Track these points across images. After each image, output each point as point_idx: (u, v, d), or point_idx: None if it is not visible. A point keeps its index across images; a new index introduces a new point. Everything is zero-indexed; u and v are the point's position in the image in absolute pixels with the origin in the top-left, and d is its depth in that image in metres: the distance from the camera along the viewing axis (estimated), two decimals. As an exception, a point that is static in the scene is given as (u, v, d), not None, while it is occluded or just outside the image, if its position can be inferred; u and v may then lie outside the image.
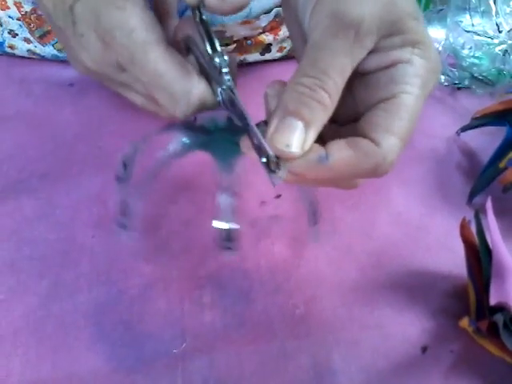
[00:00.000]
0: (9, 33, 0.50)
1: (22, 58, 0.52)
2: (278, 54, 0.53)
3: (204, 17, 0.27)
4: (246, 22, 0.48)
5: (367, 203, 0.41)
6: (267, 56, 0.53)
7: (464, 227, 0.35)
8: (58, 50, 0.51)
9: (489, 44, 0.51)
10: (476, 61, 0.52)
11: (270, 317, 0.34)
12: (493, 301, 0.30)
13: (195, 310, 0.34)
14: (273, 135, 0.23)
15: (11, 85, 0.50)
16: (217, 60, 0.27)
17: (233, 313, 0.34)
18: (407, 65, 0.25)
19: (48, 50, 0.51)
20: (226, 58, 0.27)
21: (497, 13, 0.51)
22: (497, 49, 0.50)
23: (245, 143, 0.25)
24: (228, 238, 0.29)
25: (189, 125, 0.32)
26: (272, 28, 0.51)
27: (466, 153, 0.46)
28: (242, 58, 0.52)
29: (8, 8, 0.48)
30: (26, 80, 0.51)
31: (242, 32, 0.49)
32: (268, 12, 0.49)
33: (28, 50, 0.51)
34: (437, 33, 0.55)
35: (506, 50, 0.50)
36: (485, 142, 0.46)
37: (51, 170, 0.43)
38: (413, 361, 0.32)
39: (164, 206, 0.40)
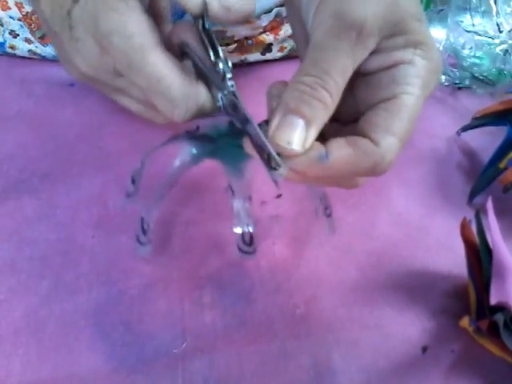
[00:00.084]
0: (10, 33, 0.50)
1: (23, 58, 0.53)
2: (279, 54, 0.53)
3: (207, 25, 0.27)
4: (246, 22, 0.48)
5: (367, 203, 0.41)
6: (268, 56, 0.53)
7: (464, 227, 0.35)
8: (59, 49, 0.51)
9: (489, 44, 0.51)
10: (476, 61, 0.52)
11: (271, 317, 0.34)
12: (493, 300, 0.30)
13: (195, 310, 0.34)
14: (274, 132, 0.23)
15: (12, 85, 0.51)
16: (220, 66, 0.27)
17: (233, 313, 0.34)
18: (409, 65, 0.25)
19: (49, 51, 0.51)
20: (229, 64, 0.27)
21: (497, 13, 0.51)
22: (497, 49, 0.50)
23: (247, 144, 0.25)
24: (247, 242, 0.30)
25: (192, 134, 0.32)
26: (273, 28, 0.51)
27: (467, 153, 0.46)
28: (242, 57, 0.52)
29: (9, 8, 0.48)
30: (26, 80, 0.51)
31: (242, 32, 0.49)
32: (269, 12, 0.49)
33: (29, 51, 0.51)
34: (437, 33, 0.55)
35: (507, 50, 0.50)
36: (485, 141, 0.46)
37: (52, 170, 0.43)
38: (413, 361, 0.32)
39: (164, 206, 0.40)
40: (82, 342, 0.33)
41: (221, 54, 0.27)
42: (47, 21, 0.30)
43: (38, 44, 0.50)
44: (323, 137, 0.24)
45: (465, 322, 0.31)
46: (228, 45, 0.50)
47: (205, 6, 0.27)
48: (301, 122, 0.23)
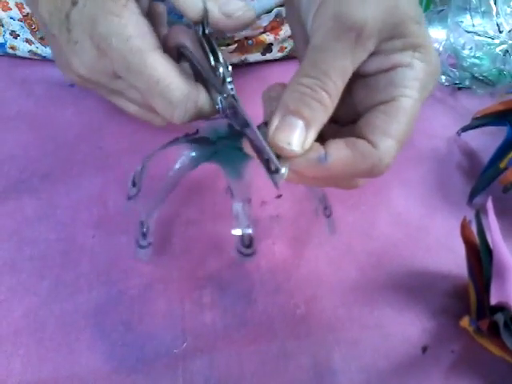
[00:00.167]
0: (10, 34, 0.50)
1: (24, 58, 0.53)
2: (279, 54, 0.53)
3: (207, 31, 0.28)
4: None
5: (367, 203, 0.41)
6: (268, 56, 0.53)
7: (465, 227, 0.35)
8: (56, 51, 0.51)
9: (489, 44, 0.51)
10: (476, 61, 0.52)
11: (271, 317, 0.34)
12: (493, 300, 0.30)
13: (196, 310, 0.34)
14: (274, 133, 0.23)
15: (13, 85, 0.51)
16: (221, 70, 0.27)
17: (233, 313, 0.34)
18: (407, 68, 0.25)
19: (49, 51, 0.51)
20: (229, 68, 0.27)
21: (497, 13, 0.51)
22: (497, 49, 0.50)
23: (246, 145, 0.25)
24: (247, 244, 0.30)
25: (192, 138, 0.32)
26: (273, 28, 0.51)
27: (467, 153, 0.46)
28: (243, 57, 0.52)
29: (10, 9, 0.48)
30: (27, 81, 0.51)
31: (243, 32, 0.49)
32: (269, 12, 0.49)
33: (29, 51, 0.51)
34: (437, 33, 0.55)
35: (507, 51, 0.50)
36: (485, 142, 0.46)
37: (52, 170, 0.43)
38: (413, 361, 0.32)
39: (164, 206, 0.40)
40: (82, 342, 0.33)
41: (221, 58, 0.27)
42: (46, 23, 0.30)
43: (38, 44, 0.51)
44: (321, 137, 0.24)
45: (465, 321, 0.31)
46: (228, 45, 0.50)
47: (205, 13, 0.27)
48: (300, 123, 0.23)
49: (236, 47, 0.50)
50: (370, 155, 0.24)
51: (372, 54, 0.25)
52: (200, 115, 0.29)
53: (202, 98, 0.28)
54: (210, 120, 0.31)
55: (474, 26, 0.52)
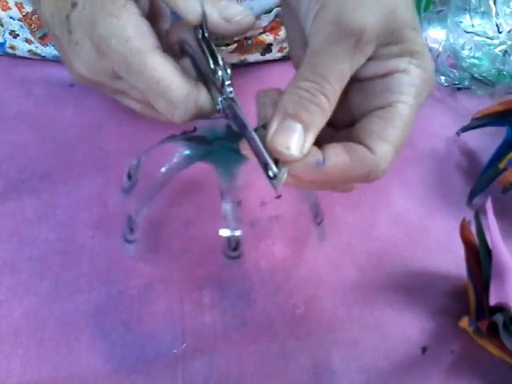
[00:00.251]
0: (10, 33, 0.50)
1: (23, 58, 0.53)
2: (279, 55, 0.53)
3: (206, 34, 0.28)
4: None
5: (367, 203, 0.41)
6: (268, 56, 0.53)
7: (464, 227, 0.35)
8: (57, 51, 0.51)
9: (489, 45, 0.51)
10: (476, 61, 0.52)
11: (270, 317, 0.34)
12: (492, 301, 0.30)
13: (195, 311, 0.34)
14: (273, 137, 0.23)
15: (12, 85, 0.51)
16: (219, 73, 0.27)
17: (233, 313, 0.34)
18: (404, 74, 0.25)
19: (49, 51, 0.51)
20: (228, 71, 0.27)
21: (497, 13, 0.51)
22: (497, 49, 0.50)
23: (245, 146, 0.25)
24: (233, 247, 0.30)
25: (189, 136, 0.32)
26: (272, 28, 0.51)
27: (466, 153, 0.46)
28: (242, 58, 0.52)
29: (9, 9, 0.48)
30: (26, 80, 0.51)
31: (242, 33, 0.49)
32: (269, 12, 0.49)
33: (29, 51, 0.51)
34: (437, 33, 0.55)
35: (506, 51, 0.50)
36: (485, 142, 0.46)
37: (52, 170, 0.43)
38: (413, 361, 0.32)
39: (164, 206, 0.40)
40: (82, 342, 0.33)
41: (220, 61, 0.27)
42: (48, 24, 0.30)
43: (38, 44, 0.50)
44: (316, 141, 0.24)
45: (464, 322, 0.31)
46: (228, 45, 0.50)
47: (204, 17, 0.27)
48: (299, 127, 0.23)
49: (236, 47, 0.50)
50: (367, 160, 0.24)
51: (369, 59, 0.25)
52: (201, 114, 0.29)
53: (202, 97, 0.28)
54: (210, 119, 0.31)
55: (473, 26, 0.52)
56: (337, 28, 0.24)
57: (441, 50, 0.53)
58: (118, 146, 0.45)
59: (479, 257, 0.33)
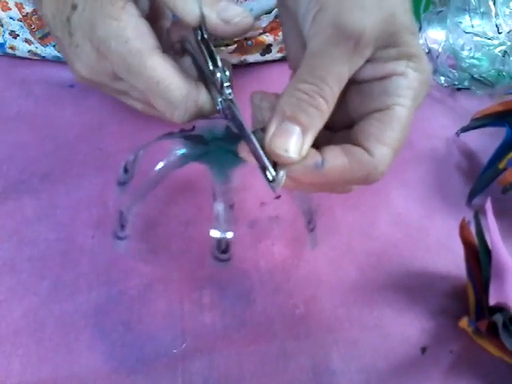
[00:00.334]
0: (10, 34, 0.50)
1: (23, 58, 0.53)
2: (279, 55, 0.53)
3: (205, 36, 0.28)
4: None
5: (367, 203, 0.41)
6: (267, 57, 0.53)
7: (463, 228, 0.35)
8: (58, 51, 0.51)
9: (488, 45, 0.51)
10: (476, 62, 0.52)
11: (270, 317, 0.34)
12: (492, 301, 0.30)
13: (195, 311, 0.34)
14: (271, 140, 0.24)
15: (12, 86, 0.51)
16: (218, 75, 0.27)
17: (233, 313, 0.34)
18: (401, 77, 0.25)
19: (49, 51, 0.51)
20: (227, 73, 0.27)
21: (496, 14, 0.51)
22: (496, 50, 0.50)
23: (243, 148, 0.25)
24: (222, 249, 0.30)
25: (187, 134, 0.32)
26: (272, 28, 0.51)
27: (466, 153, 0.46)
28: (242, 58, 0.52)
29: (9, 9, 0.48)
30: (26, 81, 0.51)
31: (241, 34, 0.49)
32: (268, 13, 0.49)
33: (29, 51, 0.51)
34: (437, 34, 0.55)
35: (506, 51, 0.50)
36: (484, 142, 0.46)
37: (52, 170, 0.43)
38: (412, 361, 0.32)
39: (164, 206, 0.40)
40: (82, 342, 0.33)
41: (219, 63, 0.27)
42: (49, 25, 0.30)
43: (37, 44, 0.50)
44: (314, 143, 0.25)
45: (464, 322, 0.31)
46: (228, 45, 0.50)
47: (202, 19, 0.27)
48: (297, 130, 0.23)
49: (235, 48, 0.50)
50: (366, 163, 0.24)
51: (367, 61, 0.26)
52: (201, 114, 0.29)
53: (202, 97, 0.28)
54: (210, 119, 0.31)
55: (473, 26, 0.52)
56: (336, 30, 0.24)
57: (440, 50, 0.53)
58: (117, 146, 0.45)
59: (479, 257, 0.33)
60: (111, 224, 0.39)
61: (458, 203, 0.42)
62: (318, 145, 0.25)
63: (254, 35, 0.50)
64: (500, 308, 0.30)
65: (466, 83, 0.52)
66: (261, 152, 0.24)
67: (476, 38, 0.51)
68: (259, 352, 0.33)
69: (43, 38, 0.50)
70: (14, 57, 0.53)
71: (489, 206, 0.33)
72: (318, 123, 0.24)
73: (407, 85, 0.25)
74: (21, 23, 0.49)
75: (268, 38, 0.51)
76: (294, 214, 0.40)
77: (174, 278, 0.36)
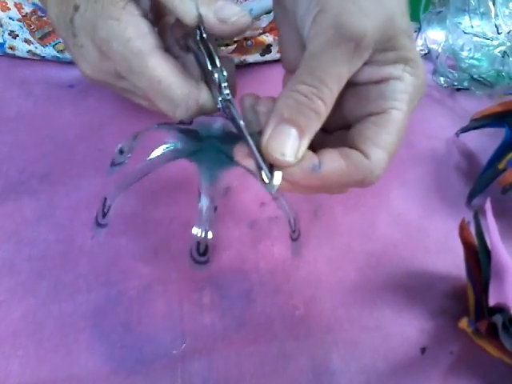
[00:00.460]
0: (9, 34, 0.50)
1: (23, 59, 0.53)
2: (279, 55, 0.53)
3: (204, 35, 0.28)
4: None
5: (367, 204, 0.41)
6: (267, 57, 0.53)
7: (463, 228, 0.35)
8: (58, 51, 0.51)
9: (488, 46, 0.51)
10: (475, 62, 0.52)
11: (270, 318, 0.34)
12: (492, 302, 0.30)
13: (195, 311, 0.34)
14: (267, 142, 0.24)
15: (12, 86, 0.50)
16: (216, 75, 0.27)
17: (232, 314, 0.34)
18: (398, 81, 0.25)
19: (48, 51, 0.51)
20: (225, 73, 0.27)
21: (496, 14, 0.51)
22: (496, 50, 0.50)
23: (240, 149, 0.25)
24: (201, 251, 0.29)
25: (182, 127, 0.32)
26: (272, 29, 0.51)
27: (466, 154, 0.46)
28: (242, 58, 0.52)
29: (8, 9, 0.48)
30: (26, 81, 0.51)
31: (241, 33, 0.49)
32: (268, 12, 0.49)
33: (28, 51, 0.51)
34: (436, 34, 0.55)
35: (505, 52, 0.50)
36: (484, 143, 0.46)
37: (51, 170, 0.43)
38: (412, 362, 0.32)
39: (163, 206, 0.40)
40: (81, 343, 0.33)
41: (218, 63, 0.27)
42: (55, 26, 0.31)
43: (37, 45, 0.50)
44: (309, 145, 0.25)
45: (463, 323, 0.31)
46: (227, 45, 0.50)
47: (200, 19, 0.27)
48: (293, 132, 0.23)
49: (235, 48, 0.50)
50: (362, 166, 0.24)
51: (365, 64, 0.26)
52: (202, 112, 0.29)
53: (203, 96, 0.29)
54: (211, 116, 0.31)
55: (472, 27, 0.52)
56: (337, 31, 0.24)
57: (440, 50, 0.53)
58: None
59: (478, 257, 0.33)
60: (110, 225, 0.39)
61: (458, 204, 0.42)
62: (311, 145, 0.24)
63: (253, 35, 0.50)
64: (500, 309, 0.30)
65: (466, 84, 0.52)
66: (257, 154, 0.24)
67: (475, 39, 0.51)
68: (259, 353, 0.33)
69: (43, 38, 0.50)
70: (14, 57, 0.53)
71: (488, 206, 0.33)
72: (315, 126, 0.24)
73: (403, 89, 0.25)
74: (20, 23, 0.49)
75: (268, 38, 0.51)
76: (294, 214, 0.40)
77: (174, 278, 0.36)
